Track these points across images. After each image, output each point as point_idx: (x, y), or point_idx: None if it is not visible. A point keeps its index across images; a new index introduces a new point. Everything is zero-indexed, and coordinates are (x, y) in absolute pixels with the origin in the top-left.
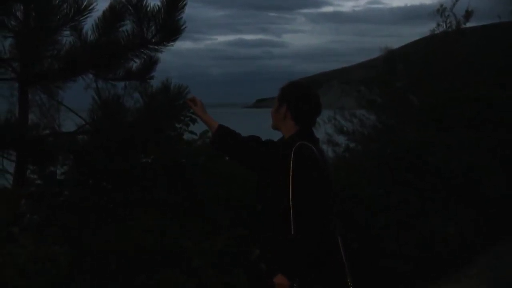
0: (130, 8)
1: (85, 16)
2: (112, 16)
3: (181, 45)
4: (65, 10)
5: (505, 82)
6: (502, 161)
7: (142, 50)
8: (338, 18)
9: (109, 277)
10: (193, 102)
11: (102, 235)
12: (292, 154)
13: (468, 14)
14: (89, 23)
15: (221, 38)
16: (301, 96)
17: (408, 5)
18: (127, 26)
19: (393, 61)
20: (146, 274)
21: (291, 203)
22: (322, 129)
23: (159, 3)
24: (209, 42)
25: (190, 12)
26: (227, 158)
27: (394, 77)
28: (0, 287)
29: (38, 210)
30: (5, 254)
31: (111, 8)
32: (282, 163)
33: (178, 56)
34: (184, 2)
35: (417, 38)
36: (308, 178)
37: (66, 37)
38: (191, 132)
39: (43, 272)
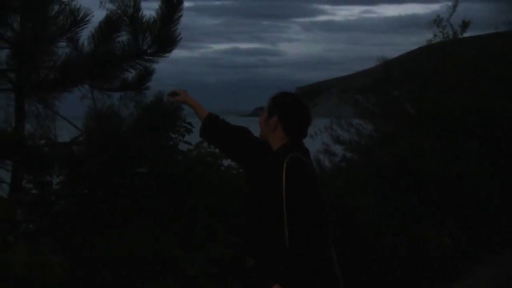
0: (126, 19)
1: (81, 27)
2: (108, 27)
3: (177, 53)
4: (61, 21)
5: (498, 91)
6: (496, 171)
7: (138, 61)
8: (332, 27)
9: (103, 286)
10: (174, 94)
11: (96, 245)
12: (285, 167)
13: (465, 25)
14: (85, 34)
15: (216, 47)
16: (293, 107)
17: (402, 14)
18: (123, 37)
19: (390, 70)
20: (140, 283)
21: (285, 216)
22: (319, 139)
23: (154, 15)
24: (204, 50)
25: (185, 20)
26: (222, 167)
27: (391, 86)
28: None
29: (33, 219)
30: None
31: (108, 19)
32: (273, 176)
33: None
34: (180, 14)
35: (413, 47)
36: (301, 191)
37: (63, 48)
38: (187, 142)
39: (37, 281)
